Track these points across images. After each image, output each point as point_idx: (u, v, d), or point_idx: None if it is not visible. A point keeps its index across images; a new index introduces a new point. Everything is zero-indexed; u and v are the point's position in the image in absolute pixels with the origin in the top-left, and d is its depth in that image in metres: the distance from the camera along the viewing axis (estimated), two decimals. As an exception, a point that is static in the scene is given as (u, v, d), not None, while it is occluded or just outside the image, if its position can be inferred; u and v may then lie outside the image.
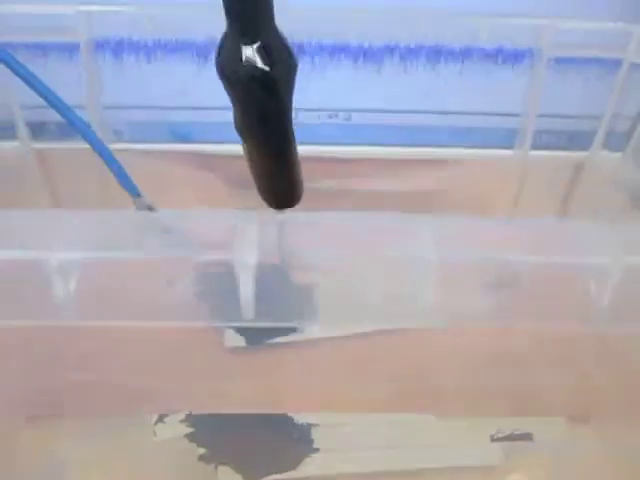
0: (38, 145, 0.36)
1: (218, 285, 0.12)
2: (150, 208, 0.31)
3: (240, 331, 0.31)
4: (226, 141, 0.37)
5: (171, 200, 0.31)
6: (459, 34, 0.32)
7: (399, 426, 0.31)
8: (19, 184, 0.35)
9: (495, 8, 0.36)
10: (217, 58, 0.16)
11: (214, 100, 0.36)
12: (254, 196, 0.20)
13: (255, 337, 0.30)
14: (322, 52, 0.34)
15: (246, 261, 0.12)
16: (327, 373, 0.30)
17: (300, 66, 0.34)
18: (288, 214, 0.16)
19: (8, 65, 0.21)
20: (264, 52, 0.15)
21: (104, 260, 0.12)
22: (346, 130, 0.38)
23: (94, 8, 0.31)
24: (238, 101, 0.17)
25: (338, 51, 0.34)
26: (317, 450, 0.30)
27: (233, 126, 0.30)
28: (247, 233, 0.12)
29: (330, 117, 0.38)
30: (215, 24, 0.31)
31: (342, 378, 0.30)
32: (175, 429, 0.30)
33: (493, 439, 0.30)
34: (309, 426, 0.31)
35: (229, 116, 0.36)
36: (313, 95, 0.35)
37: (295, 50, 0.35)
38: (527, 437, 0.30)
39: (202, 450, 0.29)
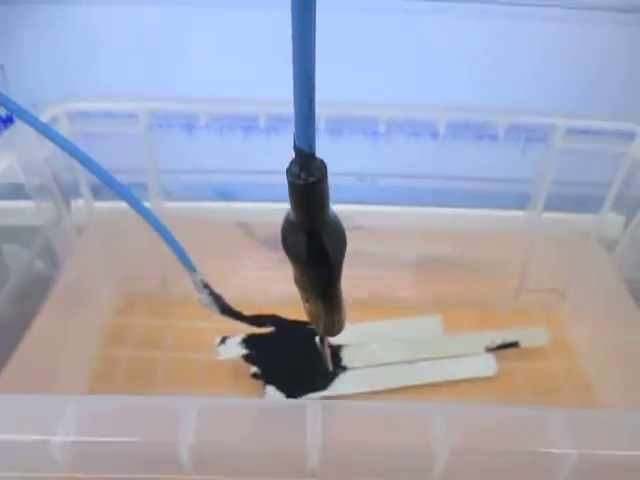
0: (100, 204, 0.40)
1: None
2: (204, 284, 0.35)
3: (281, 387, 0.36)
4: (262, 200, 0.42)
5: (213, 256, 0.35)
6: (477, 126, 0.36)
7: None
8: (84, 238, 0.40)
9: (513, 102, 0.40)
10: (283, 234, 0.19)
11: (255, 165, 0.40)
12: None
13: (294, 393, 0.35)
14: (357, 132, 0.38)
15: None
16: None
17: (338, 142, 0.38)
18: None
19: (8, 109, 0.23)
20: (322, 239, 0.18)
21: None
22: (372, 192, 0.43)
23: (153, 105, 0.36)
24: (298, 268, 0.20)
25: (371, 132, 0.38)
26: (345, 369, 0.36)
27: (268, 188, 0.35)
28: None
29: (359, 180, 0.43)
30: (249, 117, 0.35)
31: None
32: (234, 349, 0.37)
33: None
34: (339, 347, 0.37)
35: (265, 179, 0.40)
36: (347, 163, 0.40)
37: (335, 131, 0.39)
38: None
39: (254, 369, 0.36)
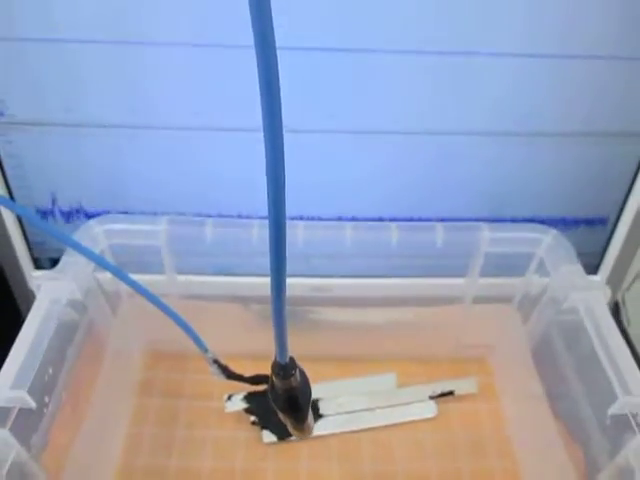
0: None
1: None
2: (216, 361, 0.46)
3: (273, 431, 0.48)
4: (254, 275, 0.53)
5: (212, 326, 0.46)
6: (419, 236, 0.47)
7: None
8: (118, 316, 0.51)
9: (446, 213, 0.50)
10: (269, 386, 0.29)
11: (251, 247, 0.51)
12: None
13: (283, 436, 0.48)
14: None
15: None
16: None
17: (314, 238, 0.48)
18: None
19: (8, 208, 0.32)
20: (296, 399, 0.28)
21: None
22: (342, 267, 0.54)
23: (170, 228, 0.46)
24: (279, 411, 0.30)
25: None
26: (321, 416, 0.49)
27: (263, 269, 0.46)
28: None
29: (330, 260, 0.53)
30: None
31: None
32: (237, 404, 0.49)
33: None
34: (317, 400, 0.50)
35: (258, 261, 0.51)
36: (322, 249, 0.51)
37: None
38: None
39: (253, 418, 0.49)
